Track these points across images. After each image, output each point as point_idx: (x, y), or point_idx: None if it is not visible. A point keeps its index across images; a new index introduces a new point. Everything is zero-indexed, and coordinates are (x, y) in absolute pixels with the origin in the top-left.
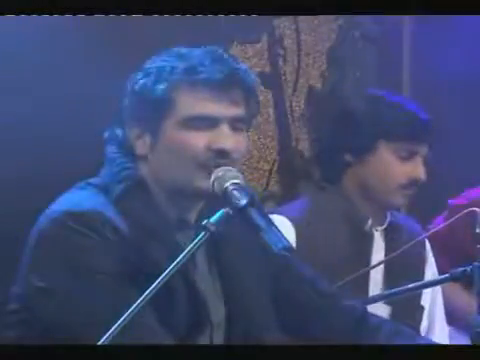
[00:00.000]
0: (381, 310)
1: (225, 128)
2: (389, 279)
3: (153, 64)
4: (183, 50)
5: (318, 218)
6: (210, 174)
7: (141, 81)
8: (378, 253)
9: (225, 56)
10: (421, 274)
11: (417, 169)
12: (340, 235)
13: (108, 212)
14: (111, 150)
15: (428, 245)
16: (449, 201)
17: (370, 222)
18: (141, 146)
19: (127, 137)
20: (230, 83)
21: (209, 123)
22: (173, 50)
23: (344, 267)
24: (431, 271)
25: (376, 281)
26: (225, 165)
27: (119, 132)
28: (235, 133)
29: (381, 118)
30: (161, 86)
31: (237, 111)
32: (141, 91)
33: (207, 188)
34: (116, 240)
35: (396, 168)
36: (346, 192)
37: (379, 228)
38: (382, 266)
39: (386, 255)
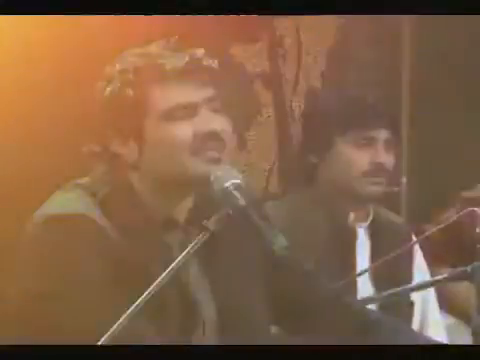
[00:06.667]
0: (370, 306)
1: (206, 111)
2: (376, 278)
3: (114, 69)
4: (138, 49)
5: (299, 216)
6: (205, 159)
7: (108, 89)
8: (363, 250)
9: (178, 43)
10: (409, 273)
11: (376, 153)
12: (323, 231)
13: (94, 214)
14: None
15: (416, 244)
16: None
17: (352, 217)
18: (128, 154)
19: (109, 149)
20: (194, 67)
21: (189, 110)
22: (130, 51)
23: (329, 263)
24: (420, 270)
25: (364, 281)
26: (218, 148)
27: (99, 146)
28: (216, 114)
29: (332, 114)
30: (130, 88)
31: (209, 92)
32: (110, 99)
33: (205, 174)
34: (102, 242)
35: (355, 157)
36: (324, 190)
37: (363, 224)
38: (369, 265)
39: (372, 252)
